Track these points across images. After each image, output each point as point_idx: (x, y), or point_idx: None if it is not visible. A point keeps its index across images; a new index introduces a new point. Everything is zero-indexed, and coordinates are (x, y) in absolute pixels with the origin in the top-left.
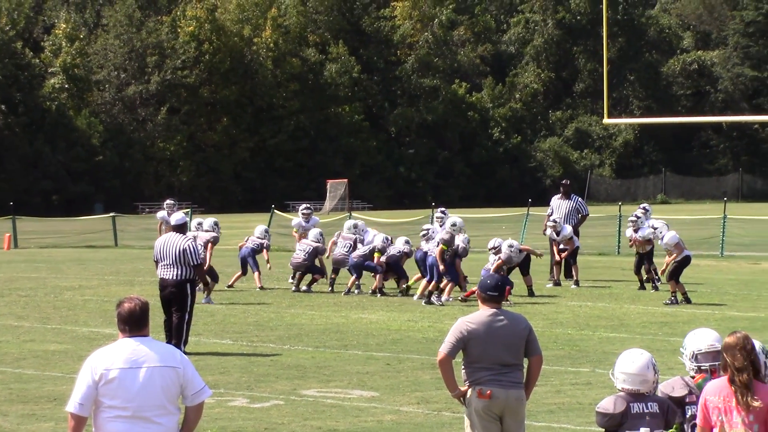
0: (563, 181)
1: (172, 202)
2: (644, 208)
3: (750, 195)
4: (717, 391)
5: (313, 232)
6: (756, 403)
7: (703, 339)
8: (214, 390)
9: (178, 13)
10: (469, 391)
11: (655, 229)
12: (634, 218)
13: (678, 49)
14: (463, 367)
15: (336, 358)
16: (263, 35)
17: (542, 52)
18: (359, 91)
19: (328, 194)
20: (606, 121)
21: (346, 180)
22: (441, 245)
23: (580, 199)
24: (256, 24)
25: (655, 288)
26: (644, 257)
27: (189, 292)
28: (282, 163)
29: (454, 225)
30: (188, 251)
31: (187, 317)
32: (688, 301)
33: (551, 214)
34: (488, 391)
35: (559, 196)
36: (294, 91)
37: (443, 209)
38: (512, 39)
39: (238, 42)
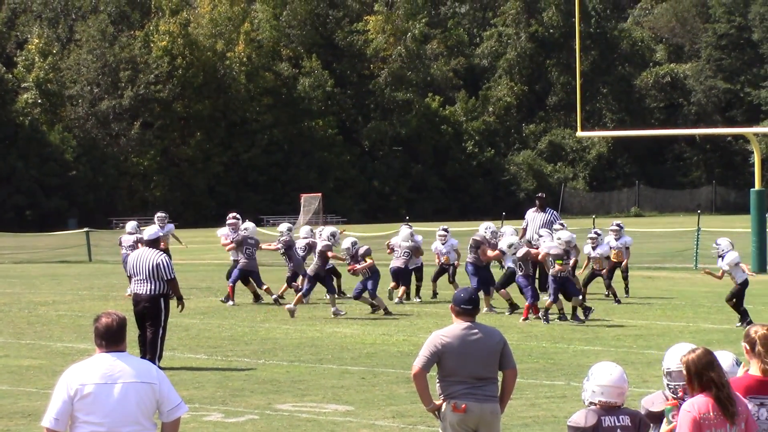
0: (538, 195)
1: (164, 215)
2: (618, 225)
3: (723, 207)
4: (707, 407)
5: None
6: (739, 409)
7: (675, 357)
8: (189, 405)
9: (151, 27)
10: (444, 405)
11: (540, 236)
12: (594, 236)
13: (651, 61)
14: (437, 380)
15: (311, 372)
16: (236, 50)
17: (515, 65)
18: (332, 104)
19: (302, 208)
20: (579, 134)
21: (320, 194)
22: (556, 261)
23: (555, 212)
24: (229, 38)
25: (617, 301)
26: (597, 274)
27: (163, 306)
28: (256, 177)
29: (560, 239)
30: (161, 266)
31: (161, 332)
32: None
33: (526, 227)
34: (463, 405)
35: (534, 209)
36: (267, 105)
37: (445, 228)
38: (485, 52)
39: (212, 56)
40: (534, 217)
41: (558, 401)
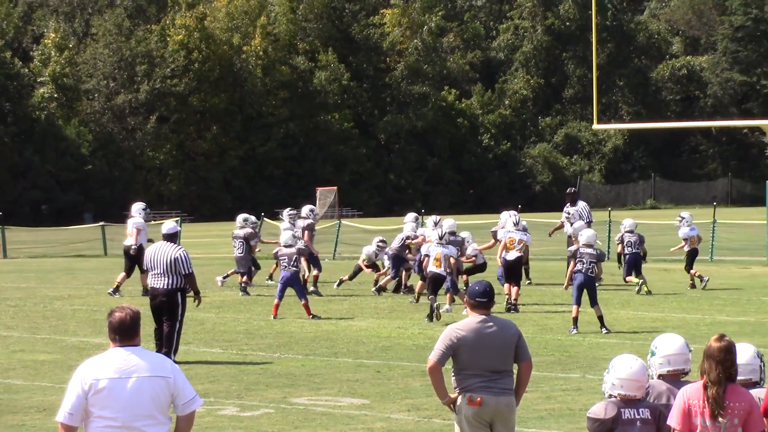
0: (567, 190)
1: (295, 212)
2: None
3: (739, 199)
4: (698, 394)
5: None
6: (725, 418)
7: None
8: (205, 399)
9: (168, 21)
10: (459, 398)
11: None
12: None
13: (667, 54)
14: (453, 374)
15: (326, 366)
16: (252, 43)
17: (531, 58)
18: (348, 98)
19: (317, 202)
20: (595, 126)
21: (335, 187)
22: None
23: (582, 205)
24: (246, 32)
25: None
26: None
27: (180, 301)
28: (271, 170)
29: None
30: (179, 260)
31: (177, 326)
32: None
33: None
34: (478, 398)
35: (568, 205)
36: (283, 99)
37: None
38: (501, 45)
39: (228, 50)
40: (573, 212)
41: (573, 394)
